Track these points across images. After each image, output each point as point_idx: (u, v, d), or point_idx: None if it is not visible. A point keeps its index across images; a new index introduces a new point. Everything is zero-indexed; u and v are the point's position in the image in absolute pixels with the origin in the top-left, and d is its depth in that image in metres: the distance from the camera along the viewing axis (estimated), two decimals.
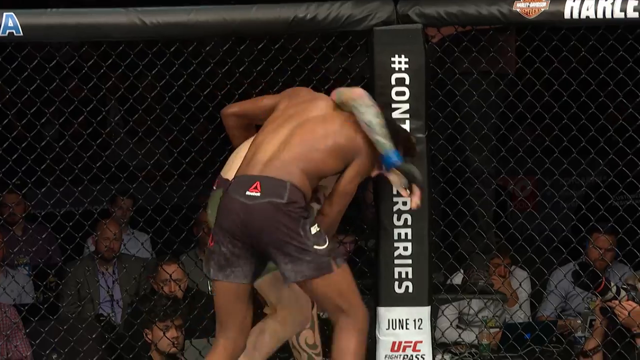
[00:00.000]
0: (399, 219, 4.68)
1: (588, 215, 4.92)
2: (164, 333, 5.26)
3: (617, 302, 4.85)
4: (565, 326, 5.53)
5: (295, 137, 4.04)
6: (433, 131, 4.67)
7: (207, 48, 4.83)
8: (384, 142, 4.06)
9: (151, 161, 5.11)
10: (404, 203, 4.59)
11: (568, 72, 4.60)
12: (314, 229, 3.95)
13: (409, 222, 4.67)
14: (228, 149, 4.86)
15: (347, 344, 3.99)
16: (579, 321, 5.36)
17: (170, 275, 5.61)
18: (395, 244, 4.68)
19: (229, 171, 4.20)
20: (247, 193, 3.94)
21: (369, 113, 4.07)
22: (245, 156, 4.10)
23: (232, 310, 4.09)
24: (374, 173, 4.20)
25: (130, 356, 5.01)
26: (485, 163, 4.79)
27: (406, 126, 4.59)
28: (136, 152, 4.98)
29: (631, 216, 4.70)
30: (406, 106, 4.62)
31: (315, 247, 3.93)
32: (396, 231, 4.68)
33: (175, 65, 4.76)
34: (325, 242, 3.96)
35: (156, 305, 5.29)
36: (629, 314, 4.86)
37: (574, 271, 4.95)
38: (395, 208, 4.69)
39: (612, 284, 4.87)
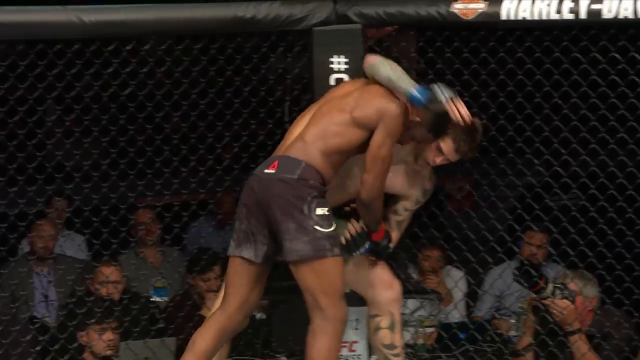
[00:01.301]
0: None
1: (523, 215, 4.98)
2: (99, 335, 5.20)
3: (550, 300, 4.90)
4: (499, 325, 5.59)
5: (316, 117, 4.09)
6: None
7: (146, 47, 4.80)
8: (403, 85, 4.04)
9: (88, 162, 5.03)
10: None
11: (504, 72, 4.66)
12: (321, 211, 3.95)
13: None
14: (167, 149, 4.88)
15: (317, 353, 3.97)
16: (513, 320, 5.42)
17: (107, 277, 5.57)
18: None
19: None
20: (265, 170, 4.03)
21: (384, 68, 4.08)
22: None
23: (237, 285, 4.13)
24: (434, 159, 4.16)
25: (64, 359, 4.95)
26: None
27: None
28: (73, 153, 4.93)
29: (565, 216, 4.77)
30: None
31: (316, 227, 3.93)
32: None
33: (114, 64, 4.72)
34: (329, 227, 3.96)
35: (92, 308, 5.22)
36: (562, 312, 4.92)
37: (516, 267, 5.00)
38: None
39: (548, 281, 4.93)
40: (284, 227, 3.95)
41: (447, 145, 4.13)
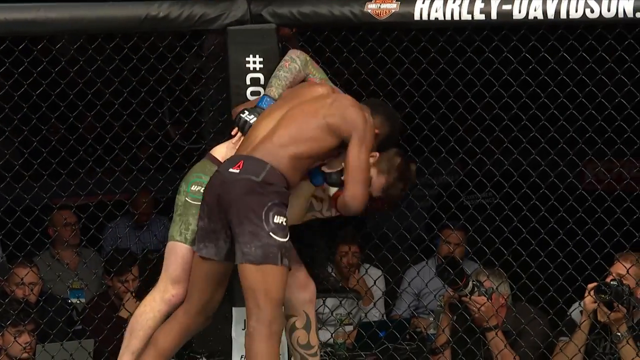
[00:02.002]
0: None
1: (440, 214, 5.01)
2: (15, 338, 5.13)
3: (468, 297, 4.95)
4: (418, 324, 5.62)
5: (287, 119, 4.06)
6: None
7: (58, 46, 4.74)
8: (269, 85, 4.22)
9: (1, 162, 4.99)
10: None
11: (419, 72, 4.68)
12: (278, 219, 3.93)
13: None
14: (82, 149, 4.82)
15: (259, 351, 3.93)
16: (431, 319, 5.45)
17: (22, 279, 5.50)
18: None
19: (217, 149, 4.28)
20: (230, 170, 3.99)
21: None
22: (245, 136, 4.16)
23: (199, 287, 4.12)
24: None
25: None
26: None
27: None
28: None
29: (480, 214, 4.80)
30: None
31: (272, 234, 3.91)
32: None
33: (25, 63, 4.66)
34: (284, 237, 3.94)
35: (7, 309, 5.14)
36: (479, 309, 4.96)
37: (438, 265, 5.03)
38: None
39: (469, 278, 4.98)
40: (239, 229, 3.92)
41: (378, 180, 4.17)
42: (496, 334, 4.95)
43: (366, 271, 5.50)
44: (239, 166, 3.99)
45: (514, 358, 4.92)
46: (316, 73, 4.34)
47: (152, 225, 6.55)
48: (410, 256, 5.39)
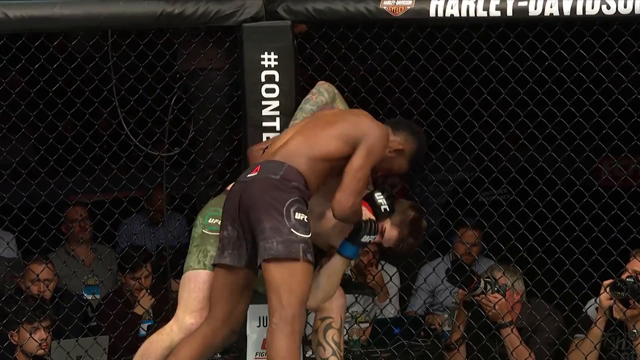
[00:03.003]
0: None
1: (456, 210, 5.00)
2: (30, 335, 5.15)
3: (483, 295, 4.95)
4: (433, 320, 5.61)
5: (302, 130, 4.10)
6: None
7: (73, 43, 4.75)
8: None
9: (17, 158, 5.00)
10: None
11: (435, 69, 4.68)
12: (299, 216, 3.92)
13: None
14: (97, 146, 4.83)
15: (280, 347, 3.90)
16: (446, 315, 5.45)
17: (38, 275, 5.51)
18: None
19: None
20: (248, 175, 4.01)
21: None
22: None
23: (221, 297, 4.10)
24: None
25: None
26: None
27: (276, 123, 4.62)
28: (1, 149, 4.86)
29: (496, 211, 4.79)
30: (276, 103, 4.64)
31: (293, 230, 3.89)
32: None
33: (41, 60, 4.67)
34: (305, 234, 3.92)
35: (23, 307, 5.15)
36: (494, 306, 4.96)
37: (448, 269, 5.03)
38: None
39: (481, 279, 4.97)
40: (261, 226, 3.91)
41: (391, 233, 4.21)
42: (511, 330, 4.94)
43: (382, 267, 5.49)
44: (256, 170, 4.01)
45: (529, 354, 4.91)
46: (342, 106, 4.37)
47: (167, 221, 6.55)
48: (426, 252, 5.40)
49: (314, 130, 4.08)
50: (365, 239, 4.17)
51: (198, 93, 4.80)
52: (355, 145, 4.03)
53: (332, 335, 4.38)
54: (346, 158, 4.04)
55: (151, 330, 5.28)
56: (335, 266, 4.24)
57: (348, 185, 4.00)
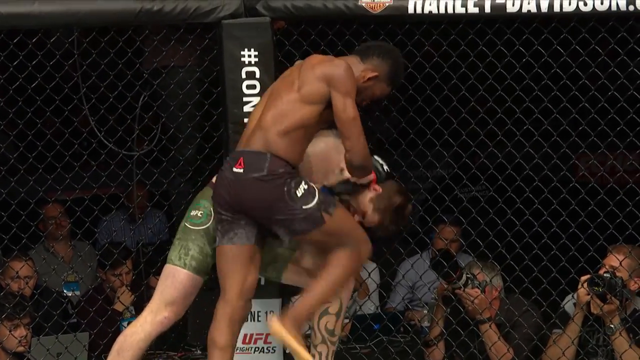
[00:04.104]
0: None
1: (434, 207, 5.02)
2: (10, 332, 5.14)
3: (462, 290, 4.97)
4: (412, 316, 5.64)
5: (270, 101, 4.04)
6: None
7: (52, 39, 4.76)
8: None
9: None
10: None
11: (413, 65, 4.70)
12: (300, 191, 3.92)
13: None
14: (76, 143, 4.83)
15: (339, 261, 3.97)
16: (425, 311, 5.47)
17: (17, 272, 5.49)
18: None
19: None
20: (234, 170, 3.97)
21: None
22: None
23: (231, 271, 4.07)
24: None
25: None
26: None
27: None
28: None
29: (474, 207, 4.82)
30: (257, 100, 4.64)
31: (304, 207, 3.91)
32: None
33: (20, 56, 4.67)
34: (314, 199, 3.93)
35: (2, 304, 5.14)
36: (473, 301, 4.99)
37: (432, 259, 5.06)
38: None
39: (463, 272, 5.01)
40: (274, 219, 3.94)
41: (372, 217, 4.20)
42: (490, 326, 4.97)
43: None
44: (240, 164, 3.98)
45: (508, 350, 4.95)
46: None
47: (147, 218, 6.55)
48: (405, 249, 5.43)
49: (278, 102, 4.00)
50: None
51: (177, 90, 4.81)
52: (321, 101, 3.97)
53: (325, 322, 4.34)
54: (320, 115, 3.99)
55: None
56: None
57: (349, 132, 3.96)
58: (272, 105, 4.02)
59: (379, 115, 4.86)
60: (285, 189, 3.92)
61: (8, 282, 5.57)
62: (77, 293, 6.05)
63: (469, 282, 4.97)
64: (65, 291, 6.02)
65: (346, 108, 3.93)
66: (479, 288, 4.97)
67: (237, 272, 4.08)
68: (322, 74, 3.96)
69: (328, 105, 3.97)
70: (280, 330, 3.99)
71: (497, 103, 4.67)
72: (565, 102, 4.58)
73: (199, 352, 5.34)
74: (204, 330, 4.91)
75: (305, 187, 3.95)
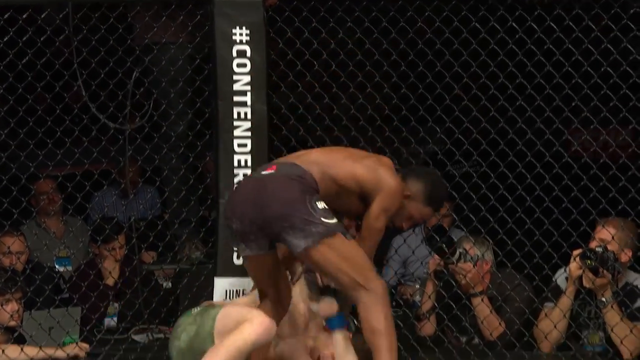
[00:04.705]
0: None
1: None
2: (2, 306, 5.15)
3: (455, 265, 5.00)
4: (404, 291, 5.67)
5: (324, 150, 4.15)
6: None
7: (43, 15, 4.73)
8: None
9: None
10: (244, 175, 4.66)
11: (406, 42, 4.70)
12: (321, 204, 3.93)
13: None
14: (68, 119, 4.83)
15: (377, 322, 3.94)
16: (417, 286, 5.50)
17: (9, 248, 5.51)
18: None
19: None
20: (263, 172, 4.00)
21: None
22: None
23: (260, 280, 4.16)
24: (406, 225, 4.27)
25: None
26: None
27: (247, 98, 4.63)
28: None
29: (467, 183, 4.83)
30: (247, 78, 4.66)
31: (323, 219, 3.90)
32: None
33: (10, 32, 4.65)
34: (333, 218, 3.93)
35: None
36: (465, 276, 5.02)
37: (425, 235, 5.08)
38: (235, 180, 4.73)
39: (457, 249, 5.03)
40: (288, 220, 3.90)
41: (417, 210, 4.22)
42: (482, 300, 5.00)
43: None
44: (272, 168, 4.01)
45: (500, 324, 4.98)
46: None
47: (139, 194, 6.57)
48: None
49: (335, 155, 4.11)
50: None
51: (168, 66, 4.81)
52: (366, 193, 4.07)
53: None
54: (351, 195, 4.08)
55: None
56: (340, 344, 4.31)
57: (369, 237, 4.10)
58: (324, 153, 4.11)
59: (372, 91, 4.86)
60: (308, 195, 3.93)
61: (0, 257, 5.60)
62: (69, 268, 6.08)
63: (462, 257, 5.00)
64: (57, 266, 6.06)
65: (379, 219, 4.07)
66: (471, 262, 5.00)
67: (266, 280, 4.16)
68: (380, 177, 4.07)
69: (361, 199, 4.08)
70: None
71: (490, 79, 4.68)
72: (558, 78, 4.58)
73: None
74: (194, 306, 4.97)
75: (327, 207, 3.95)
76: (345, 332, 4.32)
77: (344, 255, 3.92)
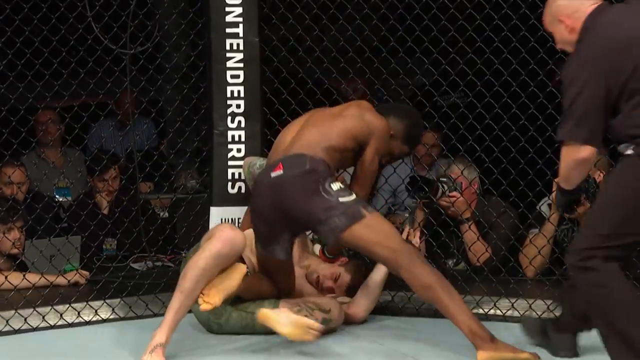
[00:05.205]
0: (232, 121, 4.81)
1: None
2: (4, 234, 5.26)
3: (441, 198, 5.12)
4: (394, 220, 5.75)
5: (310, 124, 4.25)
6: None
7: None
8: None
9: None
10: (237, 106, 4.74)
11: None
12: (336, 186, 4.07)
13: (242, 125, 4.80)
14: (64, 50, 4.88)
15: (426, 278, 4.03)
16: (407, 215, 5.59)
17: (10, 177, 5.61)
18: (229, 146, 4.82)
19: None
20: (272, 174, 4.12)
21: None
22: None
23: (276, 278, 4.34)
24: (385, 162, 4.47)
25: None
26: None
27: (239, 29, 4.69)
28: None
29: (454, 113, 4.90)
30: (239, 10, 4.73)
31: (341, 199, 4.04)
32: (230, 133, 4.81)
33: None
34: (351, 195, 4.08)
35: None
36: (453, 204, 5.13)
37: (408, 182, 5.16)
38: (229, 111, 4.81)
39: (435, 183, 5.13)
40: (312, 217, 4.04)
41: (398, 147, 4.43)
42: (469, 227, 5.11)
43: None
44: (279, 168, 4.12)
45: (486, 250, 5.10)
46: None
47: (135, 125, 6.62)
48: None
49: (323, 123, 4.23)
50: None
51: None
52: (362, 142, 4.24)
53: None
54: (352, 150, 4.25)
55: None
56: (382, 274, 4.53)
57: (364, 182, 4.28)
58: (317, 125, 4.23)
59: (361, 23, 4.90)
60: (321, 182, 4.06)
61: (1, 187, 5.70)
62: (69, 198, 6.17)
63: (445, 186, 5.10)
64: (57, 196, 6.15)
65: (373, 161, 4.27)
66: (456, 190, 5.11)
67: (282, 280, 4.35)
68: (370, 124, 4.25)
69: (359, 148, 4.25)
70: None
71: (476, 10, 4.72)
72: (542, 9, 4.61)
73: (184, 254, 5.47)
74: (191, 234, 5.10)
75: (342, 185, 4.10)
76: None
77: (370, 232, 4.06)
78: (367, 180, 4.31)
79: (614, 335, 3.51)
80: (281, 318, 4.04)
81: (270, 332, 4.17)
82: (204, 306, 4.03)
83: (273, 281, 4.36)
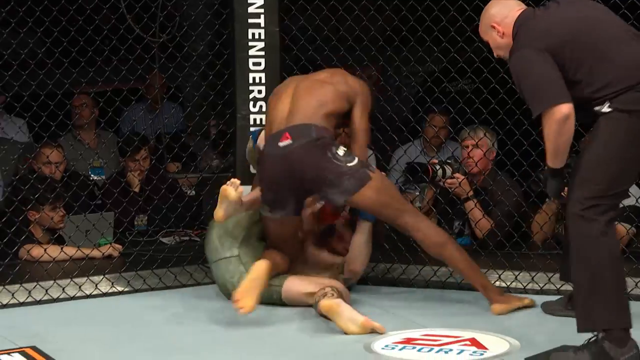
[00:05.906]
0: (254, 106, 5.05)
1: (425, 98, 5.26)
2: (43, 210, 5.46)
3: (444, 181, 5.35)
4: (406, 197, 5.96)
5: (303, 92, 4.45)
6: None
7: None
8: None
9: (25, 50, 5.13)
10: (259, 91, 5.01)
11: None
12: (341, 151, 4.35)
13: (264, 109, 4.99)
14: (98, 38, 5.10)
15: (436, 236, 4.33)
16: (417, 193, 5.83)
17: (48, 157, 5.80)
18: (251, 129, 5.03)
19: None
20: (280, 144, 4.34)
21: None
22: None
23: (284, 245, 4.54)
24: None
25: (11, 230, 5.10)
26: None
27: (260, 20, 4.92)
28: (10, 42, 5.04)
29: (462, 98, 5.08)
30: (261, 1, 4.95)
31: (348, 164, 4.32)
32: (252, 117, 5.06)
33: None
34: (355, 159, 4.35)
35: (35, 185, 5.36)
36: (459, 184, 5.38)
37: (407, 170, 5.39)
38: (251, 96, 5.03)
39: (438, 167, 5.34)
40: (325, 181, 4.30)
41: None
42: (475, 205, 5.36)
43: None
44: (287, 137, 4.35)
45: (491, 225, 5.33)
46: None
47: (164, 109, 6.77)
48: (399, 137, 5.73)
49: (316, 90, 4.44)
50: None
51: None
52: (351, 102, 4.46)
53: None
54: (345, 113, 4.47)
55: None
56: (365, 231, 4.72)
57: (360, 139, 4.48)
58: (310, 94, 4.42)
59: (375, 14, 5.09)
60: (329, 149, 4.31)
61: (40, 167, 5.89)
62: (103, 177, 6.38)
63: (447, 167, 5.33)
64: (91, 175, 6.38)
65: (363, 118, 4.47)
66: (459, 170, 5.34)
67: (286, 239, 4.55)
68: (354, 86, 4.47)
69: (349, 109, 4.46)
70: None
71: (484, 2, 4.87)
72: None
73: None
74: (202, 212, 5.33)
75: (345, 149, 4.35)
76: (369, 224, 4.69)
77: (378, 194, 4.32)
78: (364, 139, 4.50)
79: (592, 287, 3.56)
80: (344, 313, 4.20)
81: (276, 302, 4.46)
82: (241, 311, 4.25)
83: (281, 249, 4.52)
